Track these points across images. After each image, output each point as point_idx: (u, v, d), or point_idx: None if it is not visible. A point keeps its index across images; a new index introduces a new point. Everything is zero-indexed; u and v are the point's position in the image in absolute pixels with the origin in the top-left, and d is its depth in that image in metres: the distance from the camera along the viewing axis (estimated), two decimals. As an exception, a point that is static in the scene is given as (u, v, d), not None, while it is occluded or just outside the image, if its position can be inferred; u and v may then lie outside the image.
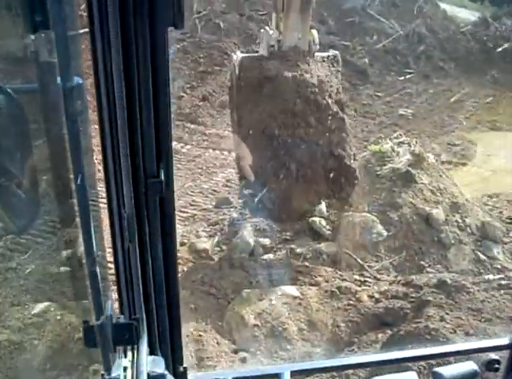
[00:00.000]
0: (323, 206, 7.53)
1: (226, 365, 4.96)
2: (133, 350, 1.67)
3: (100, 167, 1.52)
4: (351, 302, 5.51)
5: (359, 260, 6.72)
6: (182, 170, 10.19)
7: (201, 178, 10.05)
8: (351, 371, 4.64)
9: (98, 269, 1.54)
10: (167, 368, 1.79)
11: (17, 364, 4.62)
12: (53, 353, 4.59)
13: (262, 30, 6.34)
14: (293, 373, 2.38)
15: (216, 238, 7.87)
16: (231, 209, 8.70)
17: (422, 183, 7.92)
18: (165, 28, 1.40)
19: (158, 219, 1.63)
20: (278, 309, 5.39)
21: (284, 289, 5.65)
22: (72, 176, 1.39)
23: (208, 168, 10.64)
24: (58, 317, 4.92)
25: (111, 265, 1.71)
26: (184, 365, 2.00)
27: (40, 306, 5.03)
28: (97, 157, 1.58)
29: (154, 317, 1.79)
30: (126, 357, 1.67)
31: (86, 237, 1.48)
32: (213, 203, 9.30)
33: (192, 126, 11.44)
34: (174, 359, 1.95)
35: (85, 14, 1.31)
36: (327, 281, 5.87)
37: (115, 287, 1.73)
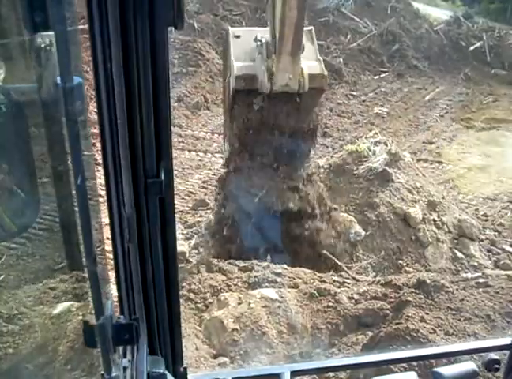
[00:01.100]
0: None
1: (205, 370, 4.89)
2: (133, 350, 1.68)
3: (100, 167, 1.52)
4: (330, 304, 5.47)
5: (338, 261, 6.70)
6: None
7: (177, 180, 9.96)
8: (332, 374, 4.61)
9: (98, 269, 1.51)
10: (167, 368, 1.81)
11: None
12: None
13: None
14: (293, 373, 2.38)
15: (193, 241, 7.80)
16: (208, 211, 8.63)
17: (399, 182, 7.94)
18: (165, 28, 1.40)
19: (158, 219, 1.63)
20: (257, 313, 5.33)
21: (262, 292, 5.60)
22: (72, 176, 1.37)
23: (184, 170, 10.57)
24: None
25: (111, 265, 1.72)
26: (184, 366, 1.98)
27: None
28: (97, 157, 1.58)
29: (154, 317, 1.79)
30: (125, 357, 1.69)
31: (86, 237, 1.45)
32: (190, 205, 9.24)
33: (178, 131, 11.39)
34: (174, 359, 1.94)
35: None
36: (306, 283, 5.84)
37: (115, 287, 1.72)
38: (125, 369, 1.65)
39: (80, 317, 4.81)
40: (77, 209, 1.40)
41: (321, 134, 11.62)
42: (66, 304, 5.01)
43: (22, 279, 5.59)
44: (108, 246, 1.69)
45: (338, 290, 5.63)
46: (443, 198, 8.26)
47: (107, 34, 1.33)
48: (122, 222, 1.57)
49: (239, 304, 5.44)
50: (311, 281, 5.88)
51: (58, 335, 4.67)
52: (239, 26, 14.08)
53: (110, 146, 1.47)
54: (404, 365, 3.64)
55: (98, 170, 1.67)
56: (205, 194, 9.62)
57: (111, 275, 1.75)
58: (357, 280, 6.19)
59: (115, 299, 1.72)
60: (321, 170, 8.23)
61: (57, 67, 1.25)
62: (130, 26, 1.35)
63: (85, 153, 1.36)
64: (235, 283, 5.84)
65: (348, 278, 6.22)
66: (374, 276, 6.52)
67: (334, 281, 5.97)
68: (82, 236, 1.44)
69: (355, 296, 5.56)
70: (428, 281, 5.48)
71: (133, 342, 1.66)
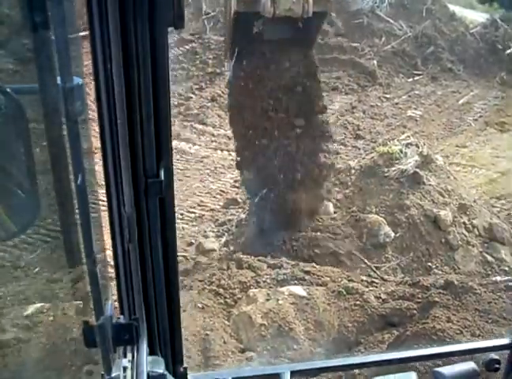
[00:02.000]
0: (330, 206, 7.57)
1: (233, 364, 4.99)
2: (133, 350, 1.68)
3: (100, 167, 1.53)
4: (358, 303, 5.53)
5: (367, 261, 6.74)
6: (191, 170, 10.24)
7: (209, 179, 10.08)
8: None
9: (98, 269, 1.52)
10: (167, 368, 1.80)
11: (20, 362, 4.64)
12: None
13: None
14: (293, 373, 2.38)
15: (224, 238, 7.92)
16: (239, 210, 8.74)
17: (430, 185, 7.92)
18: (165, 28, 1.40)
19: (158, 219, 1.63)
20: (285, 309, 5.42)
21: (291, 289, 5.68)
22: (72, 176, 1.38)
23: (217, 169, 10.67)
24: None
25: (111, 265, 1.72)
26: (184, 366, 1.99)
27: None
28: (97, 157, 1.58)
29: (154, 317, 1.79)
30: (125, 357, 1.68)
31: (86, 237, 1.46)
32: (221, 203, 9.34)
33: (200, 127, 11.49)
34: (174, 359, 1.95)
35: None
36: (334, 281, 5.90)
37: (115, 287, 1.72)
38: (125, 369, 1.64)
39: (51, 319, 4.83)
40: (77, 209, 1.42)
41: (353, 136, 11.67)
42: (38, 305, 5.00)
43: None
44: (108, 246, 1.69)
45: (366, 290, 5.68)
46: (474, 202, 8.23)
47: (107, 34, 1.32)
48: (122, 222, 1.56)
49: (268, 300, 5.53)
50: (339, 280, 5.94)
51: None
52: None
53: (110, 146, 1.46)
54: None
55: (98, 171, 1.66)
56: (237, 193, 9.71)
57: (111, 275, 1.75)
58: (385, 280, 6.23)
59: (115, 299, 1.72)
60: (352, 171, 8.27)
61: (57, 67, 1.25)
62: (130, 26, 1.34)
63: (85, 153, 1.38)
64: (264, 279, 5.93)
65: (376, 278, 6.27)
66: (403, 277, 6.54)
67: (362, 280, 6.02)
68: (82, 236, 1.45)
69: (383, 296, 5.61)
70: (456, 282, 5.50)
71: (133, 342, 1.66)
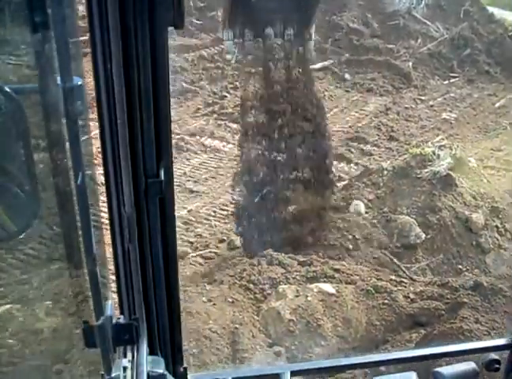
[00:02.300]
0: (362, 206, 7.61)
1: (261, 358, 5.09)
2: (133, 350, 1.68)
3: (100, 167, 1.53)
4: (386, 302, 5.58)
5: (396, 261, 6.77)
6: (224, 168, 10.34)
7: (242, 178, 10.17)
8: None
9: (98, 269, 1.53)
10: (167, 368, 1.80)
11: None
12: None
13: None
14: (293, 373, 2.36)
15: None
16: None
17: (462, 187, 7.91)
18: (165, 28, 1.39)
19: (158, 219, 1.63)
20: (314, 306, 5.50)
21: (320, 286, 5.76)
22: (72, 176, 1.38)
23: (250, 168, 10.75)
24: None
25: (111, 265, 1.73)
26: (184, 366, 1.99)
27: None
28: (97, 157, 1.59)
29: (154, 317, 1.79)
30: (126, 357, 1.67)
31: (86, 237, 1.46)
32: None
33: (234, 126, 11.59)
34: (174, 359, 1.94)
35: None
36: (363, 280, 5.95)
37: (115, 287, 1.72)
38: (125, 369, 1.63)
39: (21, 319, 4.84)
40: (77, 209, 1.43)
41: (386, 138, 11.65)
42: (7, 306, 4.97)
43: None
44: (108, 246, 1.69)
45: (394, 289, 5.73)
46: (508, 205, 8.18)
47: (107, 34, 1.31)
48: (122, 222, 1.55)
49: (297, 296, 5.62)
50: (368, 278, 5.99)
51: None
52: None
53: (110, 146, 1.45)
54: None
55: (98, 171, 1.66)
56: (269, 192, 9.78)
57: (111, 275, 1.75)
58: (414, 280, 6.26)
59: (115, 299, 1.72)
60: (385, 172, 8.29)
61: (57, 67, 1.25)
62: (130, 26, 1.33)
63: (85, 153, 1.39)
64: (293, 276, 6.02)
65: (405, 278, 6.30)
66: (432, 278, 6.56)
67: (391, 280, 6.06)
68: (82, 236, 1.46)
69: (411, 295, 5.65)
70: (486, 284, 5.50)
71: (133, 342, 1.66)
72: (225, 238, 8.05)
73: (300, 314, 5.45)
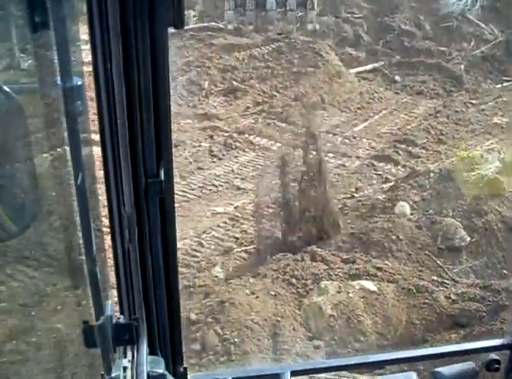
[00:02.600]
0: (407, 207, 7.64)
1: (300, 350, 5.22)
2: (133, 350, 1.67)
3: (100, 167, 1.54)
4: (427, 301, 5.62)
5: (439, 262, 6.78)
6: (271, 167, 10.46)
7: (289, 176, 10.27)
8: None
9: (98, 269, 1.52)
10: (167, 368, 1.81)
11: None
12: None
13: None
14: (293, 373, 2.37)
15: (301, 234, 8.11)
16: (317, 207, 8.89)
17: (510, 191, 7.84)
18: (165, 28, 1.39)
19: (158, 219, 1.63)
20: (355, 302, 5.58)
21: (362, 283, 5.84)
22: (72, 176, 1.38)
23: (297, 167, 10.85)
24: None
25: (111, 265, 1.75)
26: (184, 366, 1.99)
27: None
28: (97, 157, 1.59)
29: (154, 317, 1.79)
30: (126, 357, 1.67)
31: (86, 237, 1.46)
32: (299, 200, 9.52)
33: (283, 125, 11.69)
34: (174, 359, 1.94)
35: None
36: (405, 279, 6.00)
37: (115, 287, 1.72)
38: (125, 369, 1.63)
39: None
40: (77, 209, 1.43)
41: (435, 141, 11.58)
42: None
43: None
44: (108, 246, 1.70)
45: (436, 289, 5.76)
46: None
47: (107, 34, 1.31)
48: (122, 222, 1.55)
49: (338, 293, 5.72)
50: (410, 278, 6.03)
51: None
52: (361, 29, 14.21)
53: (110, 146, 1.45)
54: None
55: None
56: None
57: (111, 275, 1.76)
58: (456, 282, 6.27)
59: (115, 299, 1.72)
60: (431, 174, 8.29)
61: (57, 67, 1.24)
62: (130, 26, 1.33)
63: (85, 153, 1.39)
64: (336, 272, 6.11)
65: (447, 279, 6.31)
66: (474, 280, 6.55)
67: (433, 280, 6.09)
68: (82, 236, 1.46)
69: (453, 296, 5.68)
70: (529, 288, 5.49)
71: (133, 342, 1.65)
72: (270, 234, 8.17)
73: (341, 310, 5.54)
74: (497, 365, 2.48)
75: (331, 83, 12.90)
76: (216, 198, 9.00)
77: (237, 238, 7.97)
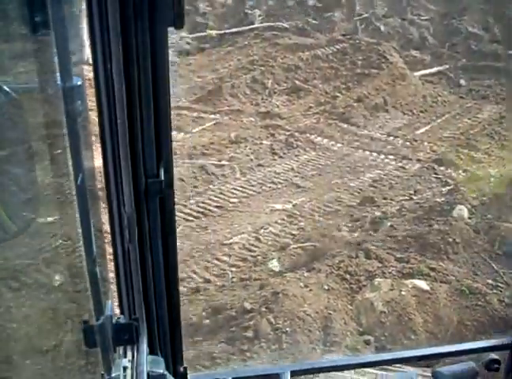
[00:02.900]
0: (465, 211, 7.63)
1: (350, 344, 5.34)
2: (133, 350, 1.68)
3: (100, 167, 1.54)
4: (479, 303, 5.65)
5: (494, 266, 6.76)
6: (331, 167, 10.54)
7: (348, 177, 10.34)
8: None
9: (98, 269, 1.53)
10: (167, 368, 1.81)
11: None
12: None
13: None
14: (293, 373, 2.38)
15: (357, 234, 8.21)
16: (375, 208, 8.95)
17: None
18: (165, 28, 1.40)
19: (158, 219, 1.64)
20: (407, 300, 5.67)
21: (415, 282, 5.91)
22: (72, 176, 1.39)
23: (357, 167, 10.89)
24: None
25: (111, 265, 1.75)
26: (184, 366, 1.99)
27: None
28: (97, 157, 1.59)
29: (154, 317, 1.79)
30: (126, 357, 1.68)
31: (86, 237, 1.47)
32: (357, 201, 9.58)
33: (344, 126, 11.74)
34: (174, 359, 1.95)
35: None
36: (458, 280, 6.04)
37: (115, 287, 1.73)
38: (125, 369, 1.63)
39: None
40: (77, 209, 1.44)
41: (498, 146, 11.41)
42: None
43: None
44: (108, 246, 1.70)
45: (490, 292, 5.77)
46: None
47: (107, 34, 1.30)
48: (122, 222, 1.55)
49: (391, 290, 5.81)
50: (464, 280, 6.06)
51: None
52: (427, 31, 14.09)
53: (110, 146, 1.45)
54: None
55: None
56: (374, 193, 9.90)
57: (111, 275, 1.76)
58: (511, 286, 6.25)
59: (115, 299, 1.73)
60: (492, 179, 8.25)
61: (57, 67, 1.25)
62: (130, 26, 1.33)
63: (85, 153, 1.40)
64: (389, 270, 6.20)
65: (501, 282, 6.30)
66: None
67: (487, 283, 6.10)
68: (82, 236, 1.47)
69: (507, 300, 5.67)
70: None
71: (133, 342, 1.66)
72: (326, 233, 8.29)
73: (393, 307, 5.64)
74: (497, 365, 2.49)
75: (394, 85, 12.85)
76: (275, 195, 9.17)
77: (294, 235, 8.11)
